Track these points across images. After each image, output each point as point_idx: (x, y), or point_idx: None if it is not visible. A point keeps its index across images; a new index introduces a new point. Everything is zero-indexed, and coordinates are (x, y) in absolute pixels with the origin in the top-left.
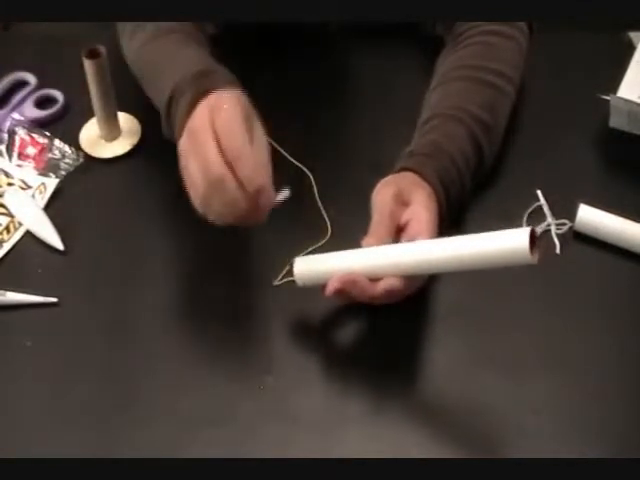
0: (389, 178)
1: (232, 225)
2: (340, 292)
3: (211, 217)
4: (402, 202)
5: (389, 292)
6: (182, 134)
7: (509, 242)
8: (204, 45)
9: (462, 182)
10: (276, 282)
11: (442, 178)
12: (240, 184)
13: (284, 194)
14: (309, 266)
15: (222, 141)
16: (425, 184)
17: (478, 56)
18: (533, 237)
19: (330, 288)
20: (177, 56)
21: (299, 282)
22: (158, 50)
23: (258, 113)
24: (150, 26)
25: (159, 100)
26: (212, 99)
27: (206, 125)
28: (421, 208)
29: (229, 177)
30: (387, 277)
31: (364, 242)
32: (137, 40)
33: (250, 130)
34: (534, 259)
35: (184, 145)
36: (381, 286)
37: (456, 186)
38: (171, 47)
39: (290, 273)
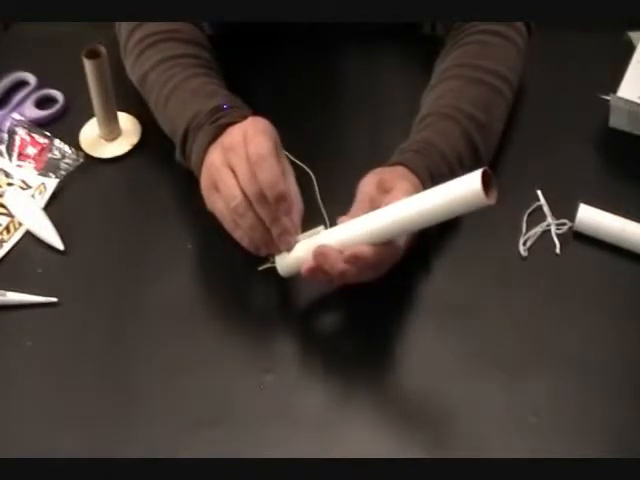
0: (377, 169)
1: (257, 246)
2: (315, 270)
3: (238, 233)
4: (384, 190)
5: (356, 258)
6: (202, 167)
7: (463, 188)
8: (212, 68)
9: (454, 178)
10: (260, 268)
11: (431, 172)
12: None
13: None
14: (288, 255)
15: (247, 147)
16: (412, 176)
17: (474, 55)
18: (487, 179)
19: (305, 267)
20: (189, 88)
21: (282, 272)
22: (167, 78)
23: (259, 113)
24: (155, 52)
25: (170, 130)
26: (247, 121)
27: (241, 143)
28: (401, 194)
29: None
30: (355, 245)
31: (339, 220)
32: (141, 60)
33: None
34: (490, 200)
35: (215, 161)
36: (347, 252)
37: (446, 181)
38: (180, 76)
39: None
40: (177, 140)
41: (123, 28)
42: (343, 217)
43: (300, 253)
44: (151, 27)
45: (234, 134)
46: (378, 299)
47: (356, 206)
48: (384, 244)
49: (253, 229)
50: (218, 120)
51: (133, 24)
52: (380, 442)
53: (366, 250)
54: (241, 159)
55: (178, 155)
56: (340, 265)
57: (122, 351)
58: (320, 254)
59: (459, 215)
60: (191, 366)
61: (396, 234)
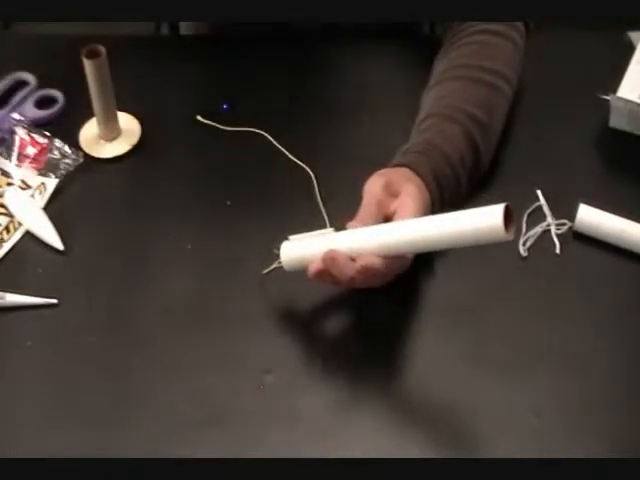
0: (382, 170)
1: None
2: (322, 273)
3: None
4: (391, 193)
5: (366, 269)
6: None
7: (484, 220)
8: None
9: (457, 179)
10: (265, 271)
11: (435, 174)
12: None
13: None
14: (295, 250)
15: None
16: (417, 178)
17: (474, 55)
18: (508, 214)
19: (312, 269)
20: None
21: (286, 266)
22: None
23: (260, 113)
24: None
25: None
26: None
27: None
28: (409, 199)
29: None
30: (366, 255)
31: (349, 225)
32: None
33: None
34: (509, 235)
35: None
36: (359, 263)
37: (450, 182)
38: None
39: (278, 258)
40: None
41: None
42: (352, 222)
43: (308, 251)
44: None
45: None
46: (378, 299)
47: (364, 209)
48: (395, 257)
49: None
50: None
51: None
52: (380, 442)
53: (377, 262)
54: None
55: None
56: (349, 272)
57: (122, 351)
58: (330, 259)
59: (475, 245)
60: (191, 366)
61: (409, 251)
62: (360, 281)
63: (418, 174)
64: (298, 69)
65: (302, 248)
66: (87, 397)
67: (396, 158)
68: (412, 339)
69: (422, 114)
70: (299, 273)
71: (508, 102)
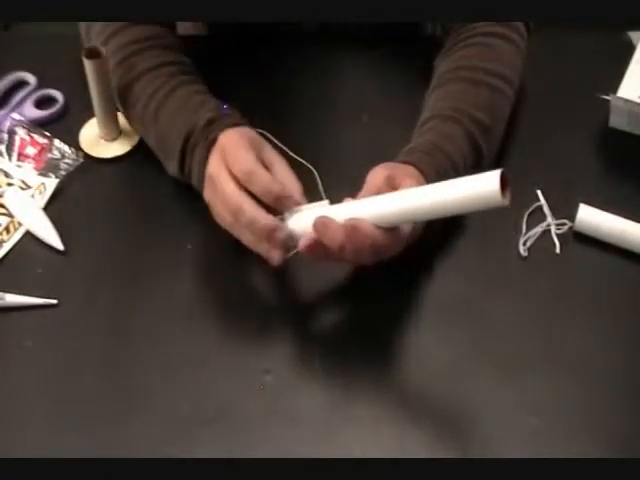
0: (387, 163)
1: (265, 254)
2: (313, 246)
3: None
4: (393, 186)
5: (355, 229)
6: (205, 180)
7: (480, 186)
8: (193, 73)
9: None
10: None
11: (438, 174)
12: (258, 203)
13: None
14: (289, 224)
15: (232, 169)
16: (420, 177)
17: (476, 57)
18: (503, 180)
19: (304, 240)
20: (178, 100)
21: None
22: (154, 89)
23: (260, 113)
24: (138, 61)
25: (161, 144)
26: (221, 141)
27: (220, 166)
28: None
29: (246, 202)
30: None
31: (345, 200)
32: (121, 70)
33: (261, 155)
34: (505, 201)
35: (207, 193)
36: (348, 223)
37: None
38: (167, 87)
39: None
40: (174, 156)
41: (95, 37)
42: (349, 198)
43: (300, 225)
44: (128, 35)
45: (211, 163)
46: (378, 299)
47: (363, 195)
48: (388, 229)
49: (252, 243)
50: (213, 133)
51: (107, 32)
52: (380, 442)
53: (365, 224)
54: (219, 184)
55: (174, 170)
56: (339, 238)
57: (122, 351)
58: (321, 224)
59: (471, 212)
60: (191, 366)
61: (404, 221)
62: (350, 251)
63: (422, 173)
64: (298, 69)
65: (295, 221)
66: (87, 397)
67: (400, 157)
68: (412, 339)
69: (424, 116)
70: (299, 273)
71: (510, 104)
